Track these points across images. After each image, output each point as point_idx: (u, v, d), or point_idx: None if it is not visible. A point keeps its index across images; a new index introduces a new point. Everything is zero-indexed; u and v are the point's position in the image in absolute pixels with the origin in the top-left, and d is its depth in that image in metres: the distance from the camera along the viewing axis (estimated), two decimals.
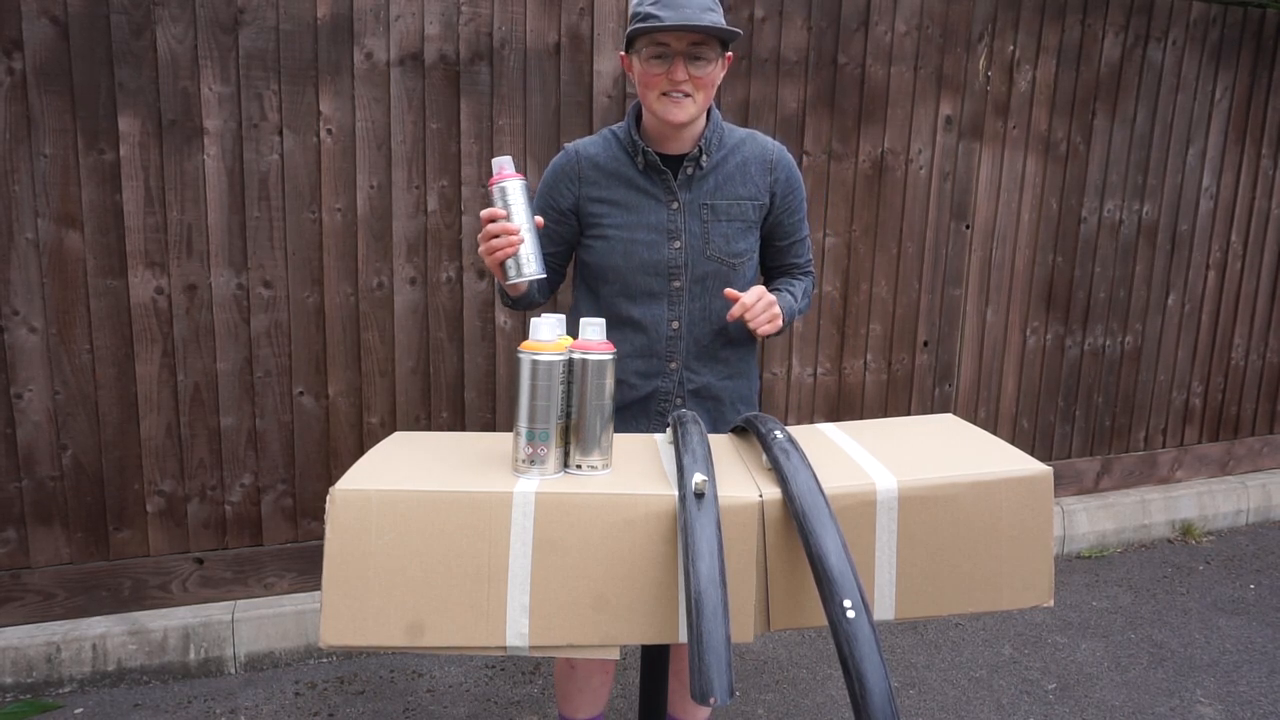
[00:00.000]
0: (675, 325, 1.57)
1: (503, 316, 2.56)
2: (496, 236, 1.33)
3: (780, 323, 1.52)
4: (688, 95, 1.46)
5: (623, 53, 1.55)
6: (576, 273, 1.68)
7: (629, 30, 1.47)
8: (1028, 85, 3.09)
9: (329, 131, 2.33)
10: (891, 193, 2.97)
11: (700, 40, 1.43)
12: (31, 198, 2.13)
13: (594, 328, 1.12)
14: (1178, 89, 3.33)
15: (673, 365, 1.58)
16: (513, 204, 1.34)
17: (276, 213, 2.32)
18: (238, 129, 2.25)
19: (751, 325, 1.47)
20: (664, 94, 1.46)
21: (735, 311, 1.46)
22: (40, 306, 2.17)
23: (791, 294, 1.64)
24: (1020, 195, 3.16)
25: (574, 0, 2.48)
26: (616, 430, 1.62)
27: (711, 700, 0.82)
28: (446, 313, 2.51)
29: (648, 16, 1.42)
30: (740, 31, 1.48)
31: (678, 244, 1.54)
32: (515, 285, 1.49)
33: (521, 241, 1.34)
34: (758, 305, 1.47)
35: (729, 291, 1.49)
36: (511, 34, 2.44)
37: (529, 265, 1.36)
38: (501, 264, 1.36)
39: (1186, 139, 3.38)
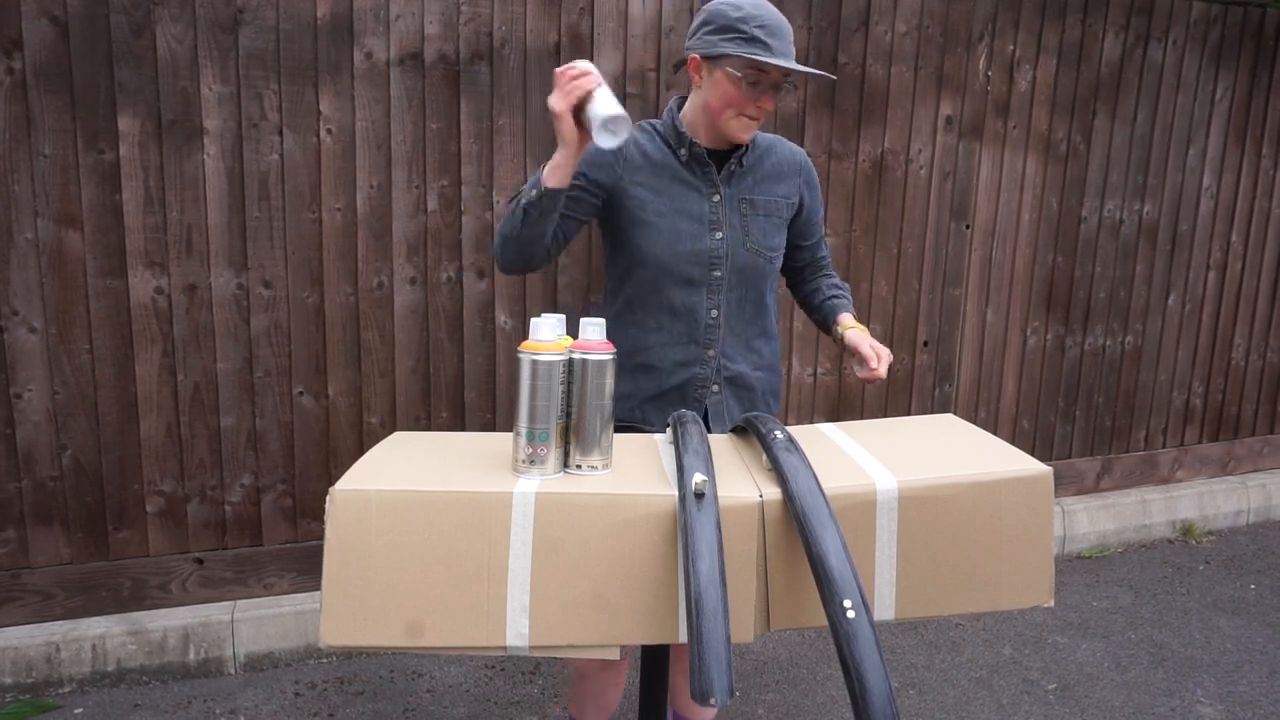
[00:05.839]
0: (714, 314, 1.61)
1: (503, 316, 2.56)
2: (575, 79, 1.33)
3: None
4: (758, 119, 1.54)
5: (696, 55, 1.53)
6: (607, 265, 1.68)
7: (727, 48, 1.47)
8: (1028, 85, 3.09)
9: (329, 131, 2.33)
10: (891, 193, 2.97)
11: (790, 74, 1.51)
12: (31, 198, 2.13)
13: (594, 328, 1.12)
14: (1178, 89, 3.33)
15: (711, 353, 1.62)
16: (585, 64, 1.35)
17: (276, 213, 2.32)
18: (238, 129, 2.25)
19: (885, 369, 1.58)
20: (742, 114, 1.52)
21: (879, 373, 1.56)
22: (40, 306, 2.17)
23: (846, 299, 1.78)
24: (1020, 195, 3.16)
25: (574, 0, 2.48)
26: (654, 412, 1.64)
27: (711, 700, 0.82)
28: (446, 313, 2.51)
29: (753, 40, 1.46)
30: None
31: (720, 234, 1.58)
32: (555, 186, 1.45)
33: (600, 84, 1.33)
34: (884, 358, 1.56)
35: (864, 368, 1.57)
36: (511, 34, 2.44)
37: (609, 104, 1.31)
38: (581, 107, 1.34)
39: (1187, 139, 3.38)
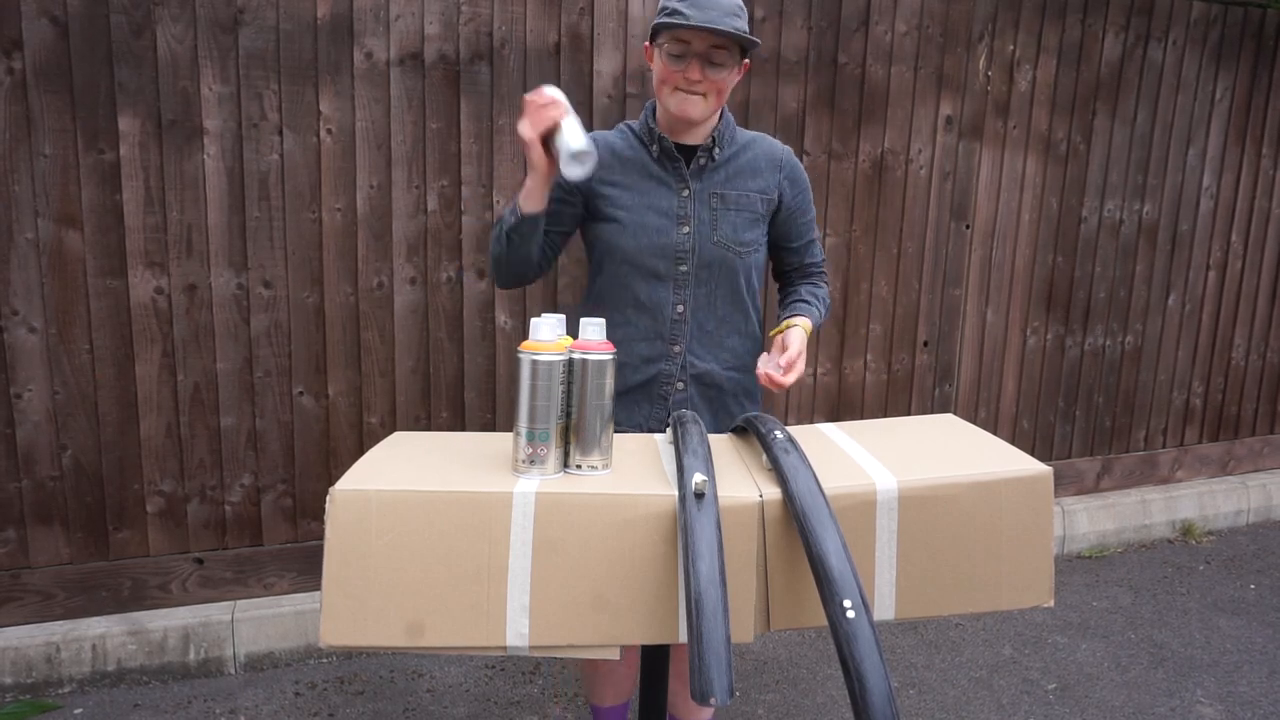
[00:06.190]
0: (680, 309, 1.60)
1: (503, 316, 2.56)
2: (543, 107, 1.37)
3: (803, 363, 1.52)
4: (701, 95, 1.52)
5: (647, 43, 1.59)
6: (589, 259, 1.70)
7: (654, 22, 1.52)
8: (1028, 85, 3.09)
9: (329, 131, 2.33)
10: (891, 193, 2.97)
11: (720, 44, 1.48)
12: (31, 198, 2.13)
13: (594, 328, 1.12)
14: (1178, 89, 3.33)
15: (676, 349, 1.61)
16: (553, 92, 1.38)
17: (276, 213, 2.32)
18: (238, 129, 2.25)
19: (788, 380, 1.48)
20: (677, 89, 1.51)
21: (782, 383, 1.47)
22: (40, 306, 2.17)
23: (815, 306, 1.68)
24: (1020, 195, 3.16)
25: (574, 0, 2.48)
26: (620, 409, 1.64)
27: (711, 700, 0.82)
28: (446, 313, 2.51)
29: (674, 12, 1.47)
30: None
31: (686, 229, 1.58)
32: (532, 210, 1.49)
33: (566, 113, 1.37)
34: (788, 376, 1.47)
35: (764, 375, 1.48)
36: (511, 34, 2.44)
37: (577, 138, 1.36)
38: (550, 136, 1.38)
39: (1187, 139, 3.38)
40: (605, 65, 2.54)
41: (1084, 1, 3.10)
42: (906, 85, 2.92)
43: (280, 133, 2.29)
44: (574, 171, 1.37)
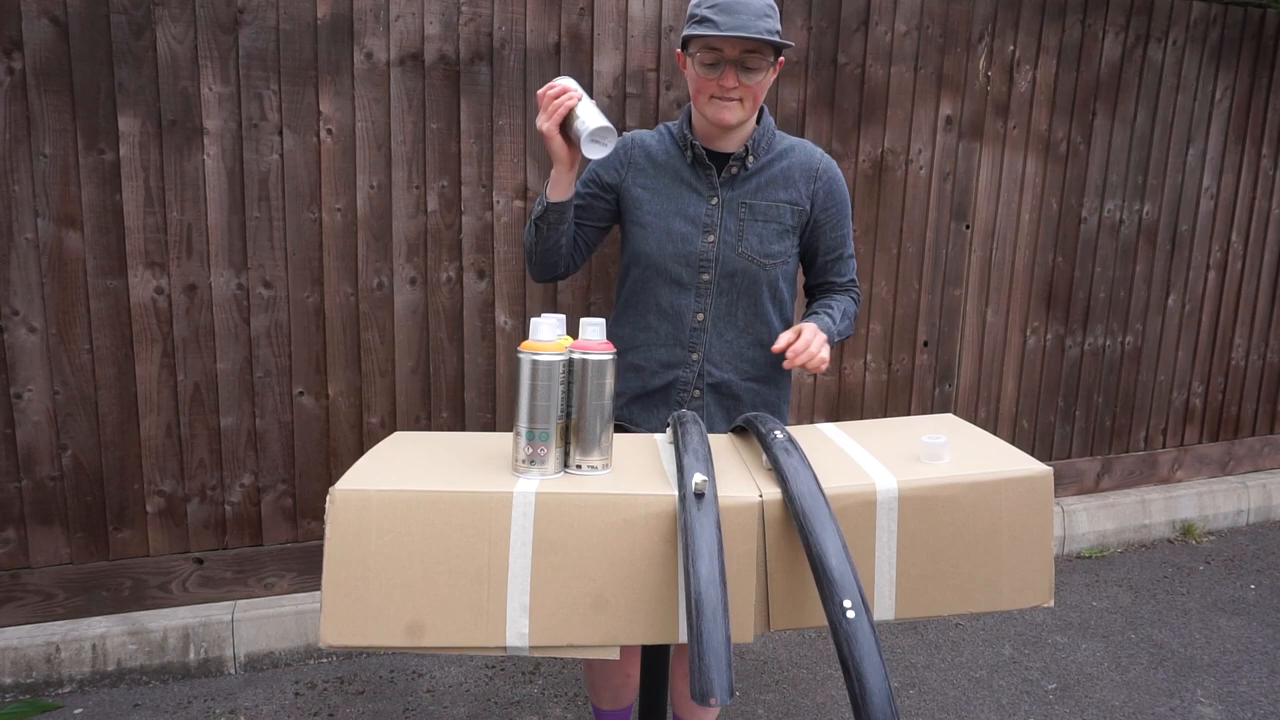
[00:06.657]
0: (700, 317, 1.60)
1: (503, 316, 2.56)
2: (556, 98, 1.39)
3: (827, 352, 1.50)
4: (737, 100, 1.51)
5: (679, 50, 1.59)
6: (620, 261, 1.71)
7: (685, 33, 1.52)
8: (1028, 85, 3.09)
9: (329, 131, 2.33)
10: (891, 193, 2.97)
11: (753, 49, 1.48)
12: (31, 198, 2.13)
13: (594, 328, 1.12)
14: (1178, 89, 3.33)
15: (694, 356, 1.61)
16: (565, 81, 1.41)
17: (276, 213, 2.32)
18: (238, 129, 2.25)
19: (801, 364, 1.46)
20: (713, 97, 1.51)
21: (790, 353, 1.46)
22: (40, 306, 2.17)
23: (830, 315, 1.62)
24: (1020, 195, 3.16)
25: (574, 0, 2.48)
26: (639, 412, 1.65)
27: (711, 700, 0.82)
28: (446, 313, 2.51)
29: (704, 20, 1.47)
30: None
31: (711, 238, 1.58)
32: (561, 190, 1.51)
33: (580, 98, 1.40)
34: (797, 344, 1.45)
35: (780, 344, 1.47)
36: (511, 34, 2.44)
37: (593, 117, 1.38)
38: (567, 123, 1.40)
39: (1186, 139, 3.38)
40: (605, 65, 2.54)
41: (1084, 1, 3.10)
42: (906, 85, 2.92)
43: (280, 133, 2.29)
44: (595, 152, 1.39)
